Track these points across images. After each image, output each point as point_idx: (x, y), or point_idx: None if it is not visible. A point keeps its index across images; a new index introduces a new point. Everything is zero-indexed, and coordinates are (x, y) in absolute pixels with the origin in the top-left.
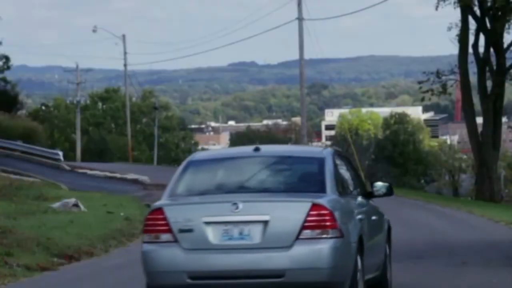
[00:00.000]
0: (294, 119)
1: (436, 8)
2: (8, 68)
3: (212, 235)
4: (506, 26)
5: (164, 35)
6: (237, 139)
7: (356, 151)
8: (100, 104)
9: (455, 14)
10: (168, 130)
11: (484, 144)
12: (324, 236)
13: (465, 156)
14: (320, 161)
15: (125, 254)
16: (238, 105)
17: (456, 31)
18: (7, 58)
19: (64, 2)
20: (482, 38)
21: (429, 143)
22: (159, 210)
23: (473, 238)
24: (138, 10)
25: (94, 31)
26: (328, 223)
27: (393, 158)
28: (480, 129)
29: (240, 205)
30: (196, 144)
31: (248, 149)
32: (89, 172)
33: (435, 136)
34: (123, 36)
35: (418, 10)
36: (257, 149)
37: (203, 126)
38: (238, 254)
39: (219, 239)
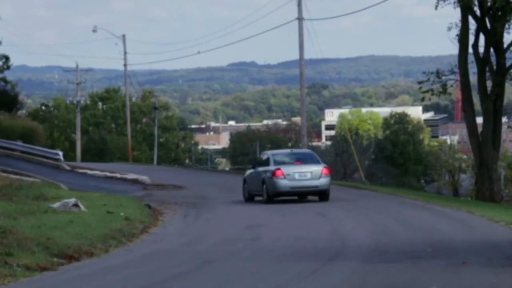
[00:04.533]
0: (294, 119)
1: (436, 7)
2: (8, 68)
3: (297, 175)
4: (506, 26)
5: (164, 35)
6: (237, 139)
7: (356, 151)
8: (100, 104)
9: (455, 14)
10: (168, 130)
11: (484, 144)
12: (325, 175)
13: (465, 156)
14: (313, 154)
15: (125, 254)
16: (238, 105)
17: (456, 31)
18: (7, 58)
19: (64, 2)
20: (482, 38)
21: (429, 143)
22: (279, 169)
23: (473, 238)
24: (138, 10)
25: (94, 31)
26: (327, 172)
27: (393, 158)
28: (480, 129)
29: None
30: (196, 144)
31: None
32: (89, 172)
33: (435, 136)
34: (123, 36)
35: (418, 10)
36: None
37: (203, 126)
38: (305, 181)
39: (298, 176)
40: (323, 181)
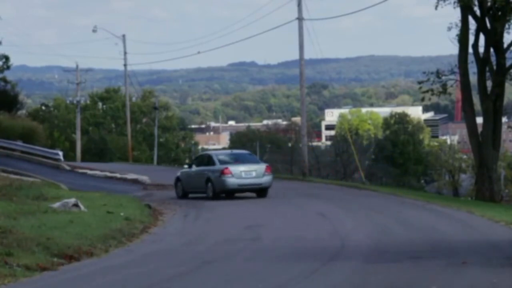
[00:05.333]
0: (294, 119)
1: (436, 7)
2: (8, 68)
3: (244, 174)
4: (506, 26)
5: (164, 35)
6: (237, 139)
7: (356, 151)
8: (100, 104)
9: (455, 14)
10: (168, 130)
11: (484, 144)
12: (268, 173)
13: (465, 156)
14: (252, 154)
15: (125, 254)
16: (238, 105)
17: (456, 31)
18: (7, 58)
19: (64, 2)
20: (482, 38)
21: (429, 143)
22: (227, 168)
23: (473, 238)
24: (138, 10)
25: (94, 31)
26: (269, 170)
27: (393, 158)
28: (480, 129)
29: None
30: (196, 144)
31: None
32: (89, 172)
33: (435, 136)
34: (123, 36)
35: (418, 10)
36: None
37: (203, 126)
38: (250, 179)
39: (244, 175)
40: (266, 179)
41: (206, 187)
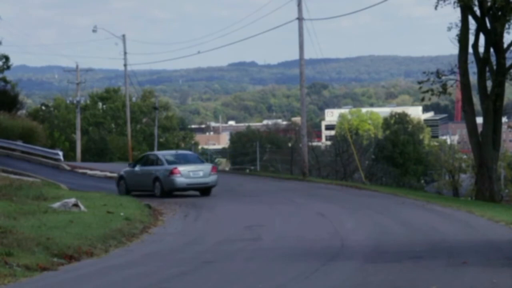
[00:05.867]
0: (294, 119)
1: (436, 7)
2: (8, 68)
3: (192, 174)
4: (506, 26)
5: (164, 35)
6: (237, 139)
7: (356, 151)
8: (100, 104)
9: (455, 14)
10: (168, 130)
11: (484, 144)
12: (214, 173)
13: (465, 156)
14: (196, 154)
15: (125, 254)
16: (238, 105)
17: (456, 31)
18: (7, 58)
19: (64, 2)
20: (482, 38)
21: (429, 143)
22: (176, 168)
23: (473, 238)
24: (138, 10)
25: (94, 31)
26: (214, 170)
27: (393, 158)
28: (480, 129)
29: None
30: (196, 144)
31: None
32: (89, 172)
33: (435, 136)
34: (123, 36)
35: (418, 10)
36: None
37: (203, 126)
38: (198, 178)
39: (192, 175)
40: (212, 178)
41: (153, 186)
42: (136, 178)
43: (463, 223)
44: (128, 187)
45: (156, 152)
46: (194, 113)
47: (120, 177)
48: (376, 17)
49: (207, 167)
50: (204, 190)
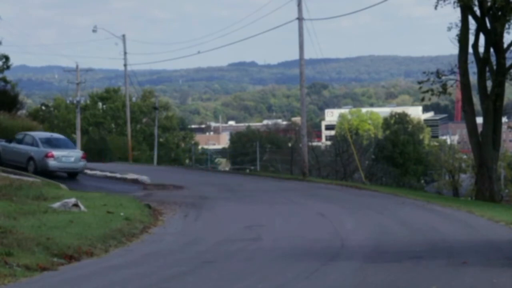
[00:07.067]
0: (294, 119)
1: (436, 7)
2: (8, 68)
3: (64, 159)
4: (506, 26)
5: (164, 35)
6: (237, 139)
7: (356, 151)
8: (100, 104)
9: (455, 14)
10: (168, 130)
11: (484, 144)
12: (83, 159)
13: (465, 156)
14: (69, 140)
15: (125, 254)
16: (238, 105)
17: (456, 31)
18: (7, 58)
19: (64, 2)
20: (482, 38)
21: (429, 143)
22: (51, 152)
23: (473, 238)
24: (138, 10)
25: (94, 31)
26: (84, 157)
27: (393, 158)
28: (480, 129)
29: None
30: (196, 144)
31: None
32: (89, 172)
33: (435, 136)
34: (123, 36)
35: (418, 10)
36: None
37: (203, 126)
38: (69, 163)
39: (64, 160)
40: (81, 164)
41: (27, 163)
42: (12, 153)
43: (463, 223)
44: (1, 159)
45: (32, 133)
46: (194, 113)
47: None
48: (376, 17)
49: (78, 153)
50: (73, 174)
